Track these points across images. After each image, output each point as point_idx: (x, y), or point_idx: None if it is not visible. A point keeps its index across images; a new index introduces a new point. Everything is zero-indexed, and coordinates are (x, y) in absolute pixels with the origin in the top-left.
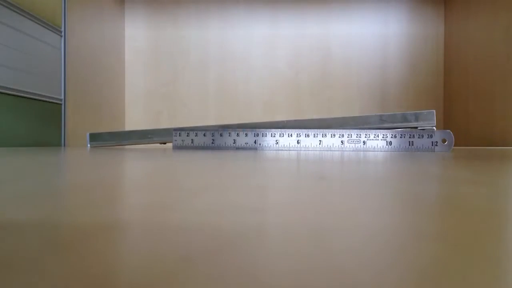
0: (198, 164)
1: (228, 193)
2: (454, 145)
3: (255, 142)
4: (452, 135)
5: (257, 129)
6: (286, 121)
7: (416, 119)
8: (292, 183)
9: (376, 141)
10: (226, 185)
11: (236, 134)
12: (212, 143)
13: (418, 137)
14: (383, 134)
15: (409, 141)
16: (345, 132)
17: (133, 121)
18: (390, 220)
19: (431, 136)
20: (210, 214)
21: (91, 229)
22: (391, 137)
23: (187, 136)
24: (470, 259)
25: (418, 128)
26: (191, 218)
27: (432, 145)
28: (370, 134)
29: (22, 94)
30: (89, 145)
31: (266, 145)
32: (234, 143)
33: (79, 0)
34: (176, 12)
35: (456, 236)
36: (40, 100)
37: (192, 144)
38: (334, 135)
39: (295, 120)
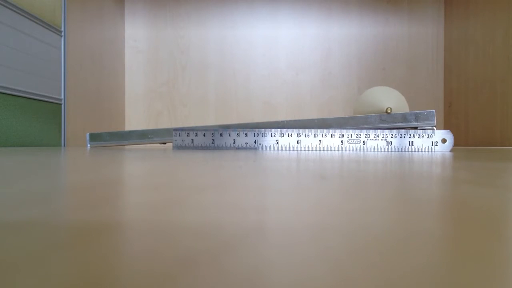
0: (198, 164)
1: (229, 193)
2: (454, 145)
3: (255, 142)
4: (452, 135)
5: (257, 129)
6: (286, 121)
7: (416, 119)
8: (293, 182)
9: (376, 141)
10: (226, 185)
11: (236, 134)
12: (212, 143)
13: (418, 137)
14: (383, 134)
15: (409, 141)
16: (345, 132)
17: (133, 121)
18: (389, 220)
19: (431, 136)
20: (211, 214)
21: (92, 229)
22: (391, 137)
23: (187, 136)
24: (470, 260)
25: (418, 128)
26: (191, 218)
27: (432, 145)
28: (370, 134)
29: (22, 94)
30: (89, 145)
31: (266, 145)
32: (234, 143)
33: (79, 0)
34: (176, 12)
35: (456, 237)
36: (40, 100)
37: (192, 144)
38: (334, 135)
39: (295, 120)
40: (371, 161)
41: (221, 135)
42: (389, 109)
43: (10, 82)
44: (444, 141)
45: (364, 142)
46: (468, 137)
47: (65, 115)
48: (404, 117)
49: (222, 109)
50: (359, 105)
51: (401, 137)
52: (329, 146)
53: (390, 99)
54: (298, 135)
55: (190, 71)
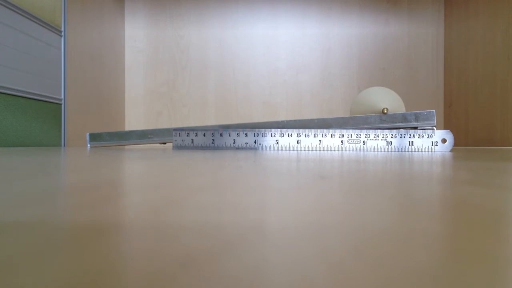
0: (198, 164)
1: (229, 192)
2: (454, 145)
3: (255, 142)
4: (452, 135)
5: (257, 129)
6: (286, 121)
7: (416, 119)
8: (292, 182)
9: (376, 141)
10: (226, 184)
11: (236, 134)
12: (212, 143)
13: (418, 137)
14: (383, 134)
15: (409, 141)
16: (345, 132)
17: (133, 121)
18: (389, 219)
19: (431, 136)
20: (211, 213)
21: (92, 229)
22: (391, 137)
23: (187, 136)
24: (470, 259)
25: (418, 128)
26: (191, 217)
27: (432, 145)
28: (370, 134)
29: (22, 94)
30: (89, 145)
31: (266, 145)
32: (234, 143)
33: (79, 0)
34: (176, 12)
35: (456, 236)
36: (40, 100)
37: (192, 144)
38: (334, 135)
39: (295, 120)
40: (371, 161)
41: (221, 135)
42: (385, 109)
43: (10, 82)
44: (444, 141)
45: (364, 142)
46: (468, 137)
47: (65, 115)
48: (404, 117)
49: (222, 109)
50: (355, 106)
51: (401, 137)
52: (329, 146)
53: (386, 99)
54: (298, 135)
55: (190, 71)
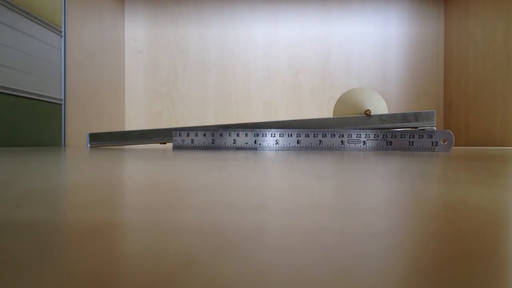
0: (198, 164)
1: (229, 193)
2: (454, 145)
3: (255, 142)
4: (452, 135)
5: (257, 129)
6: (286, 121)
7: (416, 119)
8: (292, 183)
9: (376, 141)
10: (227, 185)
11: (236, 134)
12: (212, 143)
13: (418, 137)
14: (383, 134)
15: (409, 141)
16: (345, 132)
17: (133, 121)
18: (389, 219)
19: (431, 136)
20: (211, 213)
21: (92, 229)
22: (391, 137)
23: (187, 136)
24: (470, 259)
25: (418, 128)
26: (191, 217)
27: (432, 145)
28: (370, 134)
29: (22, 94)
30: (89, 145)
31: (266, 145)
32: (234, 143)
33: (79, 0)
34: (176, 12)
35: (456, 236)
36: (40, 100)
37: (192, 144)
38: (334, 135)
39: (295, 120)
40: (371, 161)
41: (221, 135)
42: (368, 111)
43: (10, 82)
44: (444, 141)
45: (364, 142)
46: (468, 137)
47: (65, 115)
48: (404, 117)
49: (222, 109)
50: (338, 105)
51: (401, 137)
52: (329, 146)
53: (369, 100)
54: (298, 135)
55: (190, 71)
